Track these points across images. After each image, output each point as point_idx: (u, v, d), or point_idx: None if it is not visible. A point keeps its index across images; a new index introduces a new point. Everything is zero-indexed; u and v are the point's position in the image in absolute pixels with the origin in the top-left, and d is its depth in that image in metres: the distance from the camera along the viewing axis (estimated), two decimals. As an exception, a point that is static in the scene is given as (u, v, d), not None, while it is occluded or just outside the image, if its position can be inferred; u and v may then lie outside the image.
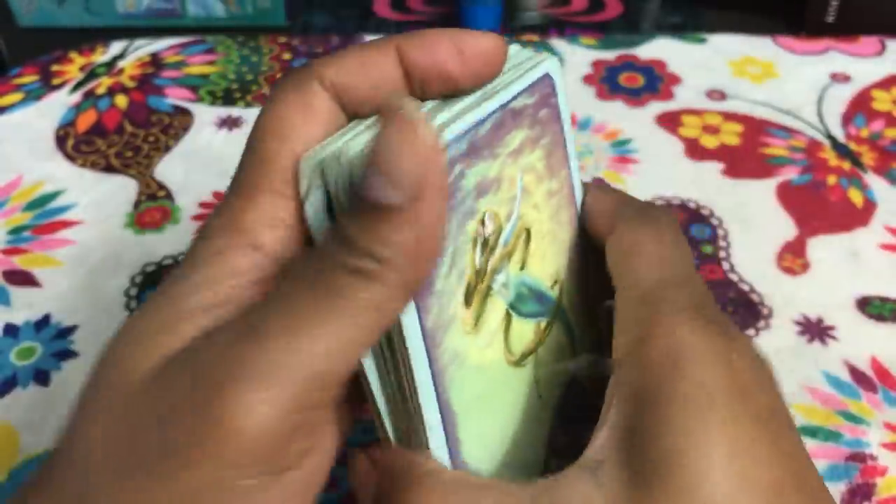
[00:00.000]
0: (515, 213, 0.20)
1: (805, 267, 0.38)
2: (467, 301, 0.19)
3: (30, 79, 0.52)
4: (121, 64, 0.53)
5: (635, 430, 0.19)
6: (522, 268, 0.21)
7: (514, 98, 0.20)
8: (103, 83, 0.51)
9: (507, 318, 0.20)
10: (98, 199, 0.43)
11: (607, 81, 0.51)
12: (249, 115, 0.48)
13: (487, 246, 0.19)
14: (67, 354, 0.34)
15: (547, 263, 0.21)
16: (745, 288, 0.37)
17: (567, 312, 0.22)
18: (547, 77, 0.21)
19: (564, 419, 0.22)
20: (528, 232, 0.21)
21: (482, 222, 0.19)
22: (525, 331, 0.21)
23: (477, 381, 0.19)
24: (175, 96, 0.50)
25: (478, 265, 0.19)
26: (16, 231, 0.41)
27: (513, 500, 0.19)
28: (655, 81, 0.51)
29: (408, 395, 0.18)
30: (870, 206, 0.41)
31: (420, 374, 0.18)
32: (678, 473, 0.18)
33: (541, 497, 0.19)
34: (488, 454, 0.20)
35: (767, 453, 0.20)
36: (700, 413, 0.19)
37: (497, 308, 0.20)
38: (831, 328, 0.35)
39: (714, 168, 0.44)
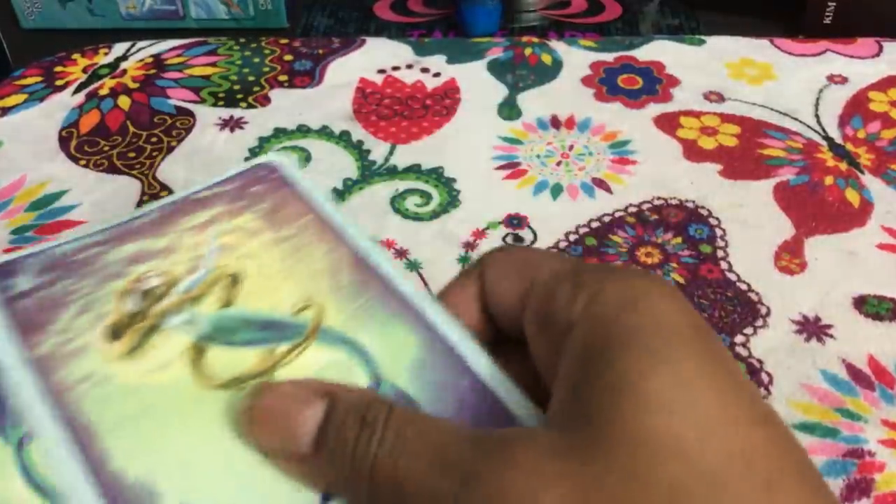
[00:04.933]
0: (205, 267, 0.23)
1: (802, 266, 0.38)
2: (115, 336, 0.21)
3: (33, 80, 0.52)
4: (123, 65, 0.53)
5: (581, 377, 0.18)
6: (227, 305, 0.22)
7: (196, 192, 0.25)
8: (106, 84, 0.52)
9: (197, 348, 0.21)
10: (101, 198, 0.43)
11: (606, 83, 0.51)
12: (251, 115, 0.49)
13: (152, 295, 0.22)
14: (71, 353, 0.35)
15: (283, 295, 0.22)
16: (743, 287, 0.37)
17: (344, 330, 0.22)
18: (262, 167, 0.25)
19: None
20: (235, 276, 0.23)
21: (138, 280, 0.22)
22: (239, 357, 0.21)
23: (132, 399, 0.20)
24: (177, 97, 0.50)
25: (131, 309, 0.22)
26: (19, 231, 0.41)
27: (451, 436, 0.18)
28: (654, 83, 0.51)
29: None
30: (867, 206, 0.42)
31: (24, 394, 0.20)
32: (621, 420, 0.16)
33: (483, 440, 0.17)
34: (190, 473, 0.19)
35: (747, 410, 0.17)
36: (653, 347, 0.17)
37: (174, 341, 0.21)
38: (829, 327, 0.35)
39: (712, 169, 0.44)
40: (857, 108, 0.49)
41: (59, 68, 0.53)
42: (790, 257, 0.39)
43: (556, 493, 0.16)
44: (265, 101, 0.50)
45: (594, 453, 0.16)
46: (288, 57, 0.54)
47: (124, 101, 0.50)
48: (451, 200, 0.42)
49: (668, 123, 0.48)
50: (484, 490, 0.16)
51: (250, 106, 0.50)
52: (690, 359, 0.17)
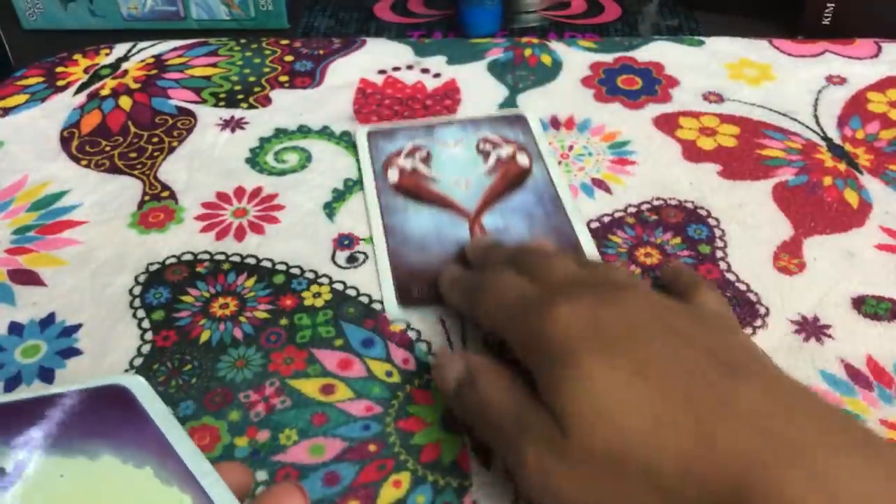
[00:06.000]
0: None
1: (801, 267, 0.38)
2: None
3: (35, 80, 0.52)
4: (125, 66, 0.54)
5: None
6: None
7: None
8: (108, 85, 0.52)
9: None
10: (102, 199, 0.43)
11: (606, 83, 0.51)
12: (252, 116, 0.49)
13: None
14: (72, 353, 0.35)
15: None
16: (742, 287, 0.37)
17: None
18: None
19: None
20: None
21: None
22: None
23: None
24: (178, 98, 0.50)
25: None
26: (21, 231, 0.41)
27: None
28: (653, 84, 0.51)
29: None
30: (865, 206, 0.42)
31: None
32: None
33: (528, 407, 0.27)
34: None
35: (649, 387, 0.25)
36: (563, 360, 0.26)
37: None
38: (827, 327, 0.35)
39: (711, 169, 0.44)
40: (855, 108, 0.49)
41: (60, 69, 0.53)
42: (789, 257, 0.39)
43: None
44: (266, 101, 0.50)
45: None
46: (288, 57, 0.54)
47: (125, 102, 0.50)
48: (452, 201, 0.42)
49: (667, 124, 0.48)
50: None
51: (251, 106, 0.50)
52: (590, 364, 0.26)
